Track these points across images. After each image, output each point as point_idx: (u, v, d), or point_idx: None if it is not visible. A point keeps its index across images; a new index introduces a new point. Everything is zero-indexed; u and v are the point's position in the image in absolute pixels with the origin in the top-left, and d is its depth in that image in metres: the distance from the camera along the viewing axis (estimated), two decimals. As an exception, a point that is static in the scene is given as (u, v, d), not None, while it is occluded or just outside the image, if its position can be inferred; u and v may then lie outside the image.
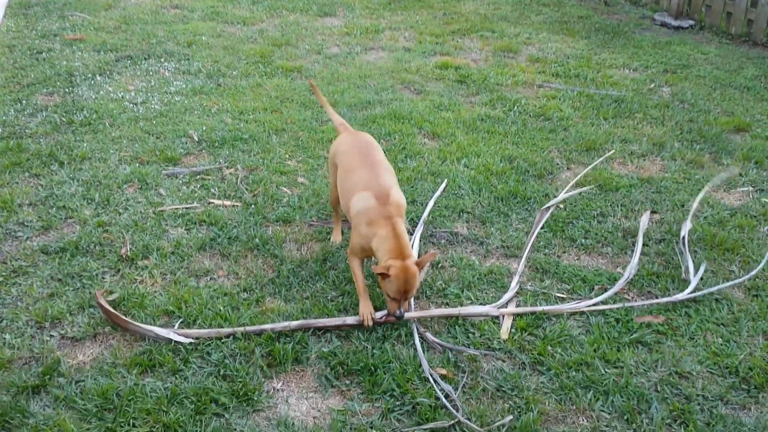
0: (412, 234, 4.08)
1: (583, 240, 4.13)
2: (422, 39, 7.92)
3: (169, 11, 8.62)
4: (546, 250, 4.04)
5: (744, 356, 3.24)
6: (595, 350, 3.25)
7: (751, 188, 4.77)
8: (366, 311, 3.34)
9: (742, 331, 3.41)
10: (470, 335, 3.33)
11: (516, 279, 3.74)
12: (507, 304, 3.55)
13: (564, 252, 4.05)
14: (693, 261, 3.88)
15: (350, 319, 3.34)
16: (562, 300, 3.61)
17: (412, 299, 3.52)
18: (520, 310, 3.51)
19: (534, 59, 7.35)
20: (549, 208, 4.33)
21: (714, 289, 3.68)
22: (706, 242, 4.12)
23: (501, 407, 2.94)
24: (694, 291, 3.65)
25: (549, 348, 3.25)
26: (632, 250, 4.04)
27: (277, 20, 8.49)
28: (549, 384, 3.07)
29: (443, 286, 3.68)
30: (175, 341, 3.18)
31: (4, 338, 3.21)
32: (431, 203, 4.37)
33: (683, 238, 4.04)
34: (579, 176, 4.74)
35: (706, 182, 4.82)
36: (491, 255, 4.00)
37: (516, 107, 6.02)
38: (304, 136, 5.34)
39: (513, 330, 3.38)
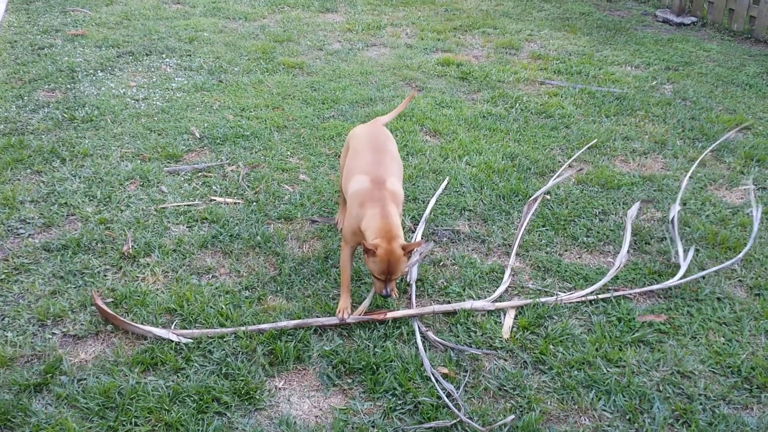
0: (413, 232, 4.08)
1: (584, 238, 4.13)
2: (424, 35, 7.91)
3: (171, 7, 8.60)
4: (548, 249, 4.03)
5: (746, 356, 3.24)
6: (597, 349, 3.24)
7: (753, 186, 4.76)
8: (344, 306, 3.37)
9: (745, 331, 3.41)
10: (472, 334, 3.33)
11: (508, 272, 3.76)
12: (501, 297, 3.58)
13: (566, 250, 4.04)
14: (683, 245, 3.93)
15: (328, 320, 3.35)
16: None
17: (413, 296, 3.53)
18: (515, 303, 3.53)
19: (536, 56, 7.34)
20: (537, 198, 4.34)
21: (703, 273, 3.76)
22: (708, 240, 4.11)
23: (503, 406, 2.94)
24: (684, 276, 3.73)
25: (551, 347, 3.25)
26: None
27: (278, 16, 8.47)
28: (551, 383, 3.07)
29: (445, 284, 3.68)
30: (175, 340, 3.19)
31: (6, 336, 3.21)
32: (433, 201, 4.37)
33: (672, 219, 4.05)
34: (565, 165, 4.75)
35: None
36: (493, 253, 4.00)
37: (518, 104, 6.01)
38: (305, 133, 5.34)
39: (515, 329, 3.38)
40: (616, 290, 3.67)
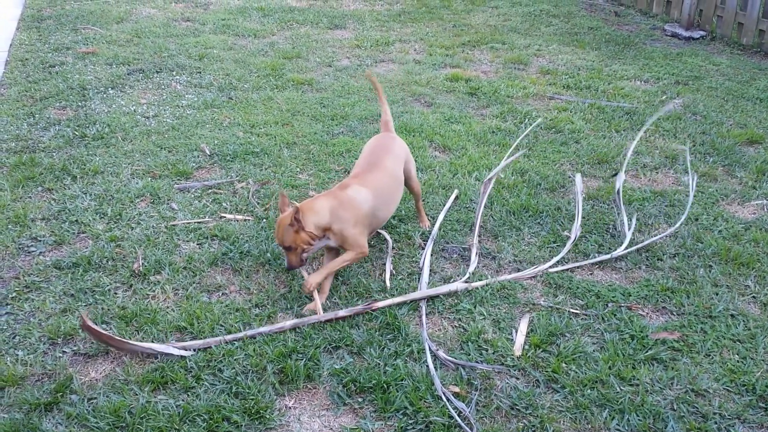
0: (423, 248, 4.07)
1: (596, 254, 4.10)
2: (432, 51, 7.92)
3: (181, 24, 8.67)
4: (559, 266, 4.01)
5: (761, 373, 3.20)
6: (610, 367, 3.21)
7: (765, 201, 4.73)
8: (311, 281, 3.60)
9: (759, 348, 3.37)
10: (483, 352, 3.31)
11: (474, 250, 4.04)
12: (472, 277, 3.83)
13: (577, 267, 4.01)
14: (627, 215, 4.34)
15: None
16: (576, 315, 3.58)
17: (424, 314, 3.50)
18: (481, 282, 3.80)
19: (544, 71, 7.34)
20: (491, 179, 4.44)
21: (648, 242, 4.15)
22: (721, 256, 4.08)
23: (515, 426, 2.91)
24: (629, 245, 4.12)
25: (563, 365, 3.22)
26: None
27: (287, 33, 8.52)
28: (564, 402, 3.04)
29: (456, 301, 3.66)
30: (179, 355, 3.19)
31: (17, 355, 3.21)
32: (441, 216, 4.36)
33: (618, 191, 4.37)
34: (514, 145, 4.73)
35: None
36: (503, 270, 3.98)
37: (527, 120, 6.00)
38: (315, 150, 5.35)
39: (526, 347, 3.35)
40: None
